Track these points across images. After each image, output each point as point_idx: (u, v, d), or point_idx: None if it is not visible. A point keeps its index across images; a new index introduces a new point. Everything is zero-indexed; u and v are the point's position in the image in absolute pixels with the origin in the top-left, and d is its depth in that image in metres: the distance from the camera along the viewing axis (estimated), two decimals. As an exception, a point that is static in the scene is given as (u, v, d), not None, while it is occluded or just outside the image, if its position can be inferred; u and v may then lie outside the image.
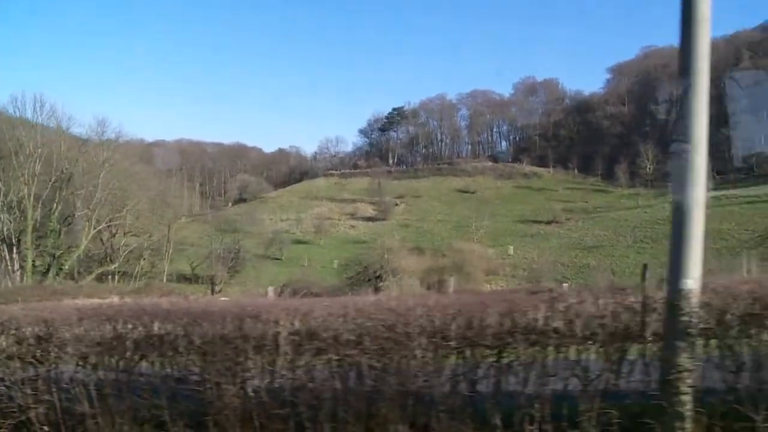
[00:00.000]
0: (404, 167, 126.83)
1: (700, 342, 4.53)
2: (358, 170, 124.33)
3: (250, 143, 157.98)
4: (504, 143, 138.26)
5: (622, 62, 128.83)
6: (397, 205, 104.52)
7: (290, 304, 5.83)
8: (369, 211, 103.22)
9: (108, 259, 63.14)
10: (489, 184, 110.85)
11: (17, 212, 53.35)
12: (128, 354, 6.07)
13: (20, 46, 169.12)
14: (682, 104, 4.93)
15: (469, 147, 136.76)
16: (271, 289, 33.67)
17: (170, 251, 65.52)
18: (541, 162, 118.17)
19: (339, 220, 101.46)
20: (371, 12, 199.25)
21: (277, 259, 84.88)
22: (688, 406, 4.41)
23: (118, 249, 61.82)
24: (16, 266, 52.99)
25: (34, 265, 53.73)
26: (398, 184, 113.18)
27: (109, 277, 62.14)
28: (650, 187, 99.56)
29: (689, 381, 4.42)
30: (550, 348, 4.75)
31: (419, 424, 5.10)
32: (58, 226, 55.82)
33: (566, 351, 4.76)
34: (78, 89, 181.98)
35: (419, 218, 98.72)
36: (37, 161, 53.57)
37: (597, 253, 74.25)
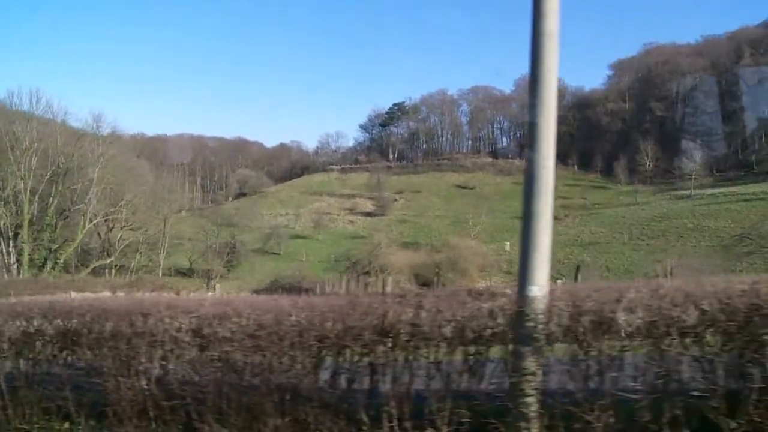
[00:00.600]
0: (404, 162, 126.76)
1: (547, 346, 4.75)
2: (358, 165, 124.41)
3: (251, 138, 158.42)
4: (505, 139, 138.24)
5: (624, 59, 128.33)
6: (396, 200, 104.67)
7: (181, 302, 6.12)
8: (368, 206, 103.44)
9: (105, 253, 63.80)
10: (488, 180, 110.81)
11: (14, 206, 53.95)
12: (38, 348, 6.39)
13: (20, 40, 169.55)
14: (530, 117, 5.17)
15: (470, 143, 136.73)
16: (218, 287, 34.15)
17: (166, 245, 66.04)
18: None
19: (338, 215, 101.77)
20: (373, 8, 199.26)
21: (276, 253, 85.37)
22: (533, 408, 4.63)
23: (115, 243, 62.41)
24: (13, 260, 53.59)
25: (31, 259, 54.35)
26: (398, 180, 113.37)
27: (106, 270, 62.76)
28: (649, 183, 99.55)
29: (534, 384, 4.65)
30: (412, 349, 5.00)
31: (295, 418, 5.38)
32: (54, 220, 56.38)
33: (429, 352, 5.00)
34: (78, 83, 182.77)
35: (417, 213, 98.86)
36: (34, 156, 54.12)
37: (593, 249, 74.28)
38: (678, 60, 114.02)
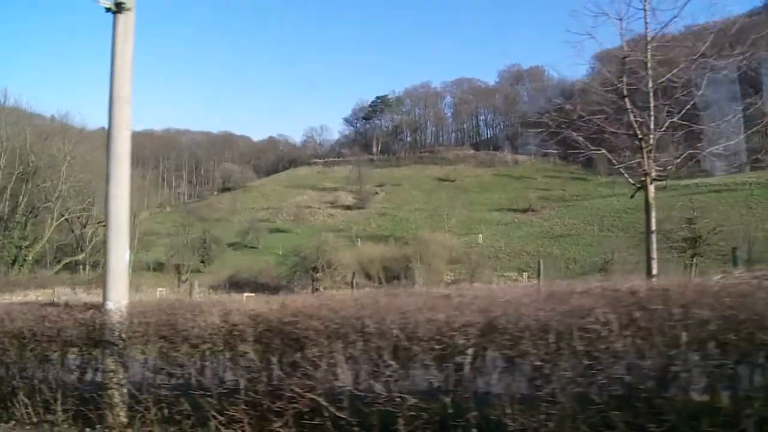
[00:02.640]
0: (387, 155, 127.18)
1: (125, 350, 5.74)
2: (341, 158, 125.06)
3: (239, 132, 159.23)
4: (488, 131, 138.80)
5: (609, 49, 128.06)
6: (376, 193, 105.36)
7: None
8: (349, 199, 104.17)
9: (79, 249, 64.81)
10: (469, 173, 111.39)
11: (-18, 205, 54.86)
12: None
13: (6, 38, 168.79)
14: (107, 168, 6.12)
15: (454, 135, 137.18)
16: (64, 290, 35.24)
17: (136, 241, 66.86)
18: (524, 150, 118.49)
19: (319, 208, 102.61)
20: (358, 2, 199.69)
21: (254, 247, 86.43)
22: (116, 399, 5.66)
23: (87, 239, 63.37)
24: (-16, 258, 54.58)
25: (1, 257, 55.30)
26: (379, 173, 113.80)
27: (80, 267, 63.88)
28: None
29: (115, 379, 5.65)
30: (35, 348, 6.03)
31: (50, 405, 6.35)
32: (25, 218, 57.35)
33: (47, 352, 6.03)
34: (60, 78, 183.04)
35: (397, 206, 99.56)
36: (3, 154, 55.00)
37: (564, 241, 75.15)
38: (662, 50, 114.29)
